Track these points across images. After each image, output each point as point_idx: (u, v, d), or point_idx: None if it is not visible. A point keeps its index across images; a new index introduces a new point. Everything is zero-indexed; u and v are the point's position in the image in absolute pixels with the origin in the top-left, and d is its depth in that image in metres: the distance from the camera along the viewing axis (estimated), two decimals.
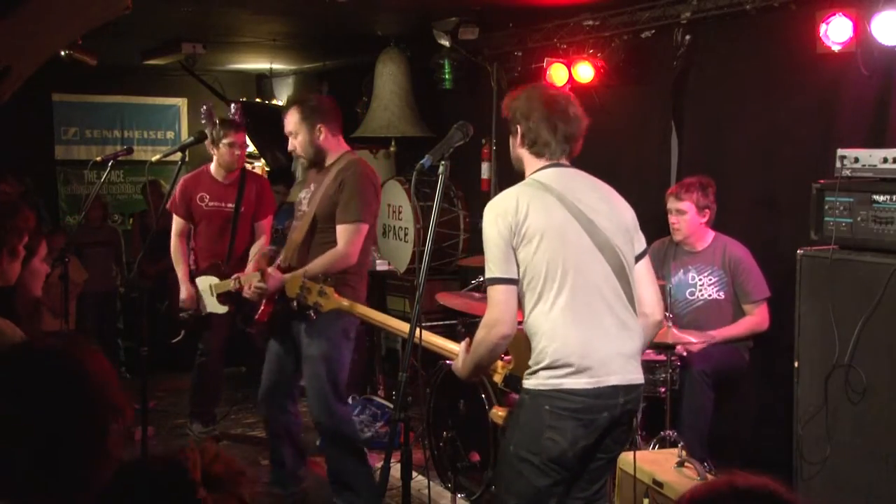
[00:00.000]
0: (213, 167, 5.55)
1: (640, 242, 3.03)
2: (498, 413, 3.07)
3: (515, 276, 2.82)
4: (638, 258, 2.99)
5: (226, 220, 5.51)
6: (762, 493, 1.36)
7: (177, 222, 5.57)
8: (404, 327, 3.51)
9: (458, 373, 3.04)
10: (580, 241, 2.83)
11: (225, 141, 5.42)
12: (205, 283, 5.46)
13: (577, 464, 2.88)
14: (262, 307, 4.47)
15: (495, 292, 2.82)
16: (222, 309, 5.39)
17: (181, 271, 5.50)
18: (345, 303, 3.79)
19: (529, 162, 3.03)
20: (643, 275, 3.00)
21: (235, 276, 4.89)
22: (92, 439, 1.61)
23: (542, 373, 2.81)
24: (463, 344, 3.01)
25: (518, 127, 3.02)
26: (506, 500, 2.95)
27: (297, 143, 4.33)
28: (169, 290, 5.80)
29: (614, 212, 2.97)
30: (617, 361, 2.83)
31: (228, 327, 5.51)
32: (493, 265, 2.83)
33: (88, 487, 1.57)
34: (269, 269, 4.30)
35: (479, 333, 2.86)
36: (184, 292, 5.45)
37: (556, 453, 2.80)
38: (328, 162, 4.33)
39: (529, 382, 2.86)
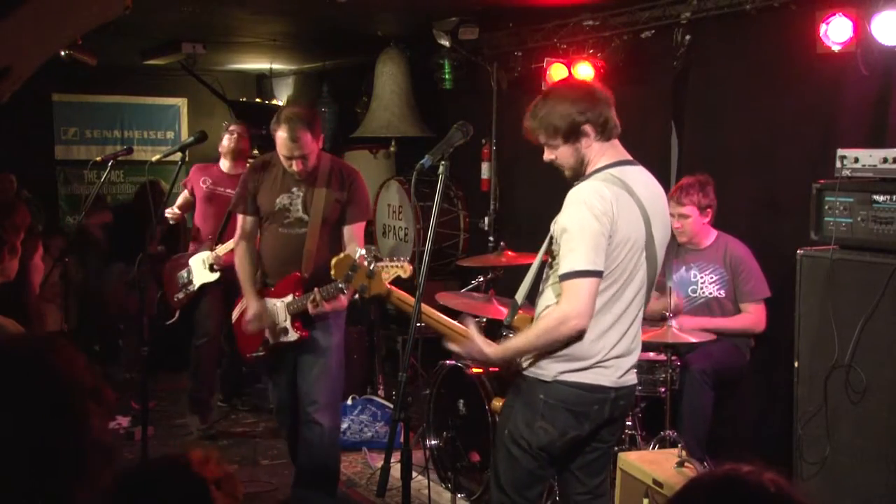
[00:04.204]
0: (221, 162, 5.91)
1: None
2: (497, 404, 3.14)
3: (603, 270, 2.74)
4: None
5: (223, 204, 5.60)
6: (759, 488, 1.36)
7: (182, 196, 5.90)
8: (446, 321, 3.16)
9: (490, 358, 2.92)
10: (639, 256, 2.84)
11: None
12: (197, 259, 5.56)
13: (564, 453, 2.96)
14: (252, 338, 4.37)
15: (584, 284, 2.70)
16: (212, 276, 5.50)
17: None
18: (397, 292, 3.24)
19: (599, 151, 2.91)
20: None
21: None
22: (72, 426, 1.55)
23: (543, 362, 2.85)
24: (473, 327, 2.94)
25: (585, 127, 2.86)
26: (499, 481, 3.01)
27: (309, 162, 4.09)
28: (162, 278, 5.86)
29: (664, 214, 2.97)
30: (619, 364, 2.87)
31: (222, 311, 5.54)
32: (587, 256, 2.70)
33: (84, 478, 1.53)
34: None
35: (551, 323, 2.76)
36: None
37: (545, 441, 2.88)
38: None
39: (529, 370, 2.90)
